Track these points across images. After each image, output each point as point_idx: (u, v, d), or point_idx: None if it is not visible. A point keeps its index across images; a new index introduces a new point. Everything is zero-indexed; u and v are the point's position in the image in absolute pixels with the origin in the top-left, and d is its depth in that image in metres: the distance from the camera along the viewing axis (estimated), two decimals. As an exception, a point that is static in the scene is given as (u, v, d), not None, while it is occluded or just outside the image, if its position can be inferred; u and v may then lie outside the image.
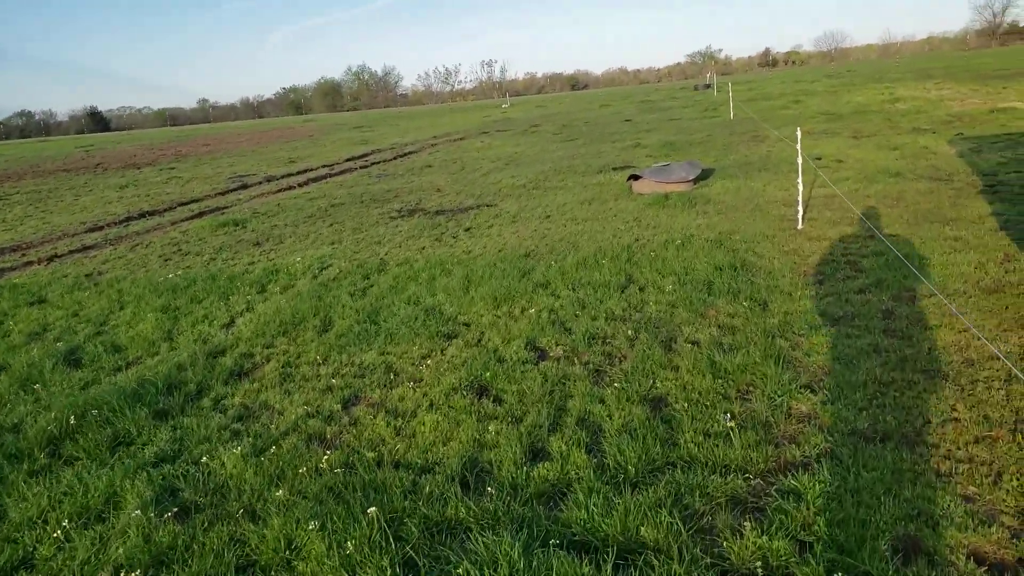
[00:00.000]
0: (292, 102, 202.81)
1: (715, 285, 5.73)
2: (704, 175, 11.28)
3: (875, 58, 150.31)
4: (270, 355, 5.27)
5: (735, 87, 35.73)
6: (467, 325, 5.51)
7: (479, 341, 5.13)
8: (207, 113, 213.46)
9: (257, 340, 5.59)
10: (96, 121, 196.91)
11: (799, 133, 7.84)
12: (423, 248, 8.45)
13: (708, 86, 49.56)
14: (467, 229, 9.31)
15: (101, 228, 12.28)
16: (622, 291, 5.88)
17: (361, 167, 18.56)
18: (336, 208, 12.00)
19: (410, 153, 21.43)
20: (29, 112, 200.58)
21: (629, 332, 4.94)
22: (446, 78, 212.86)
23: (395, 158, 20.33)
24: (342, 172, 17.68)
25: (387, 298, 6.35)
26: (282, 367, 5.01)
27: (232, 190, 15.99)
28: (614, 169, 13.61)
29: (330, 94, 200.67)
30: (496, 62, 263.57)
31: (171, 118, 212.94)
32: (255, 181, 17.20)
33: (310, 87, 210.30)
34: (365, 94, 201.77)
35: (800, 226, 7.53)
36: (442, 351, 5.03)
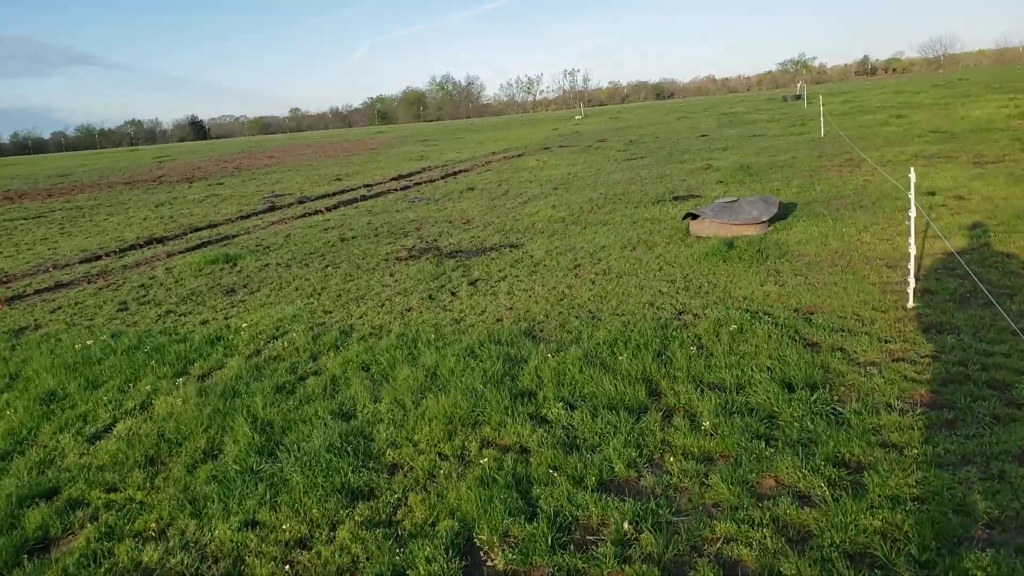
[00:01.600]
0: (379, 111, 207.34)
1: (781, 423, 3.69)
2: (781, 214, 9.07)
3: (987, 65, 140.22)
4: (96, 513, 3.58)
5: (828, 98, 32.64)
6: (392, 473, 3.68)
7: (389, 518, 3.29)
8: (299, 122, 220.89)
9: (105, 475, 3.93)
10: (197, 130, 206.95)
11: (912, 173, 5.63)
12: (408, 309, 6.69)
13: (798, 97, 46.14)
14: (473, 282, 7.50)
15: (98, 258, 11.13)
16: (637, 419, 3.92)
17: (403, 188, 17.07)
18: (345, 243, 10.42)
19: (460, 172, 19.84)
20: (139, 121, 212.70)
21: (626, 528, 2.99)
22: (528, 88, 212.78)
23: (443, 177, 18.78)
24: (380, 194, 16.23)
25: (312, 406, 4.59)
26: (95, 542, 3.31)
27: (258, 212, 14.76)
28: (675, 199, 11.51)
29: (415, 104, 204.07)
30: (579, 71, 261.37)
31: (265, 127, 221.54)
32: (287, 203, 15.95)
33: (396, 97, 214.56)
34: (448, 104, 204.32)
35: (911, 303, 5.34)
36: (330, 531, 3.21)
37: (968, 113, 21.12)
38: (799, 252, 7.33)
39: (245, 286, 8.37)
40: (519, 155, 24.21)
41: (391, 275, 8.16)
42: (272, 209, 15.18)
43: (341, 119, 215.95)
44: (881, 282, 6.03)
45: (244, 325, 6.60)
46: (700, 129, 27.77)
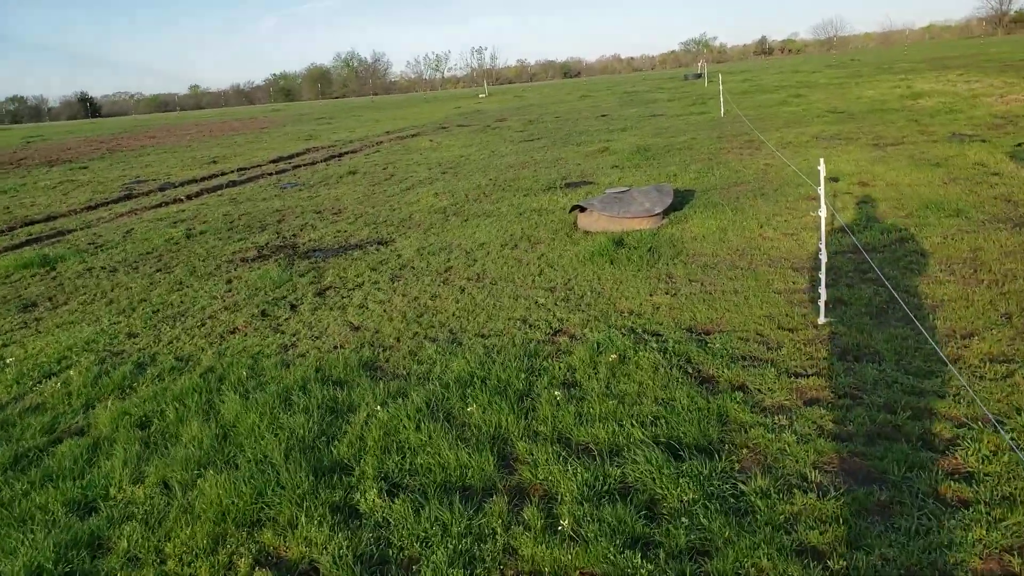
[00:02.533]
0: (282, 88, 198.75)
1: (664, 514, 2.74)
2: (676, 204, 8.26)
3: (873, 47, 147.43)
4: None
5: (729, 77, 32.72)
6: (110, 621, 2.51)
7: None
8: (198, 99, 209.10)
9: None
10: (88, 107, 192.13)
11: (822, 165, 4.81)
12: (232, 330, 5.45)
13: (699, 76, 46.41)
14: (322, 291, 6.30)
15: None
16: (476, 510, 2.89)
17: (279, 171, 15.47)
18: (191, 240, 8.95)
19: (347, 153, 18.33)
20: (22, 97, 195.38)
21: None
22: (436, 65, 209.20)
23: (327, 159, 17.24)
24: (253, 179, 14.60)
25: (49, 490, 3.35)
26: None
27: (111, 202, 12.92)
28: (567, 185, 10.58)
29: (318, 80, 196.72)
30: (486, 49, 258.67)
31: (163, 104, 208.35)
32: (146, 190, 14.10)
33: (299, 74, 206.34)
34: (354, 81, 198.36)
35: (822, 318, 4.54)
36: None
37: (862, 93, 21.24)
38: (695, 251, 6.50)
39: (51, 299, 6.86)
40: (414, 135, 22.81)
41: (228, 282, 6.84)
42: (128, 197, 13.35)
43: (243, 96, 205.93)
44: (787, 289, 5.23)
45: (14, 358, 5.18)
46: (601, 109, 27.10)
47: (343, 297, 6.09)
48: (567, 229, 7.84)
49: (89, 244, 9.16)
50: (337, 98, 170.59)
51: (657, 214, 7.56)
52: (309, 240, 8.43)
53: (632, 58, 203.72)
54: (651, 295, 5.39)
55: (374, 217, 9.50)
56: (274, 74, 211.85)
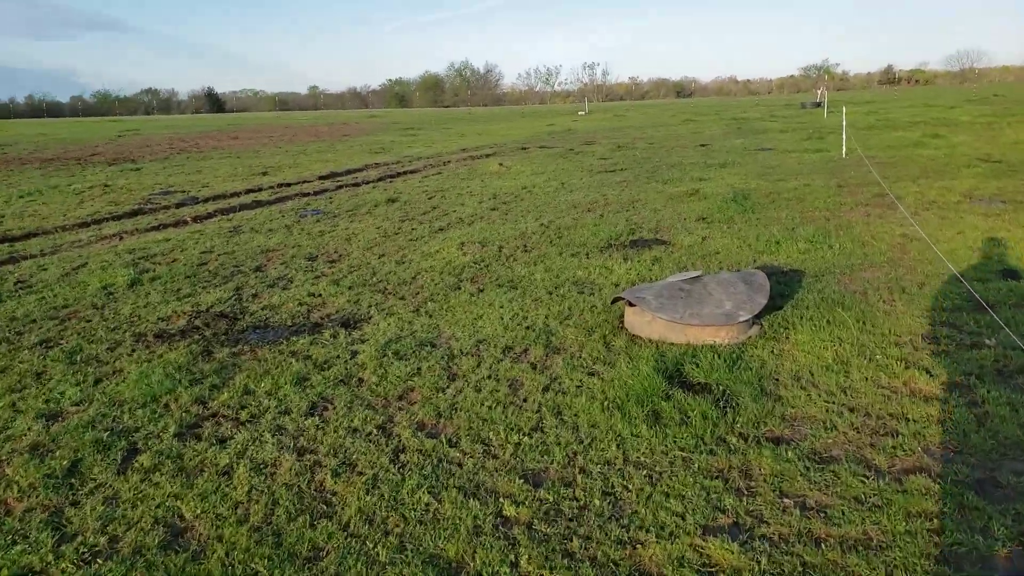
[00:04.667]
0: (396, 94, 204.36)
1: None
2: (773, 295, 5.62)
3: (1012, 81, 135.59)
4: None
5: (852, 108, 28.97)
6: None
7: None
8: (316, 99, 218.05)
9: None
10: (212, 102, 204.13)
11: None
12: (-2, 508, 3.31)
13: (818, 104, 42.31)
14: (192, 427, 4.12)
15: None
16: None
17: (318, 192, 13.66)
18: (130, 290, 7.06)
19: (405, 173, 16.39)
20: (155, 90, 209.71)
21: None
22: (546, 78, 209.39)
23: (381, 179, 15.34)
24: (283, 199, 12.83)
25: None
26: None
27: (113, 217, 11.43)
28: (632, 244, 8.06)
29: (432, 88, 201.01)
30: (598, 64, 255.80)
31: (282, 103, 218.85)
32: (164, 204, 12.59)
33: (414, 80, 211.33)
34: (465, 90, 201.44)
35: None
36: None
37: (1020, 137, 17.49)
38: (798, 409, 3.90)
39: None
40: (489, 154, 20.71)
41: (96, 383, 4.76)
42: (137, 213, 11.82)
43: (359, 99, 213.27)
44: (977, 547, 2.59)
45: None
46: (703, 136, 24.16)
47: (211, 446, 3.86)
48: (609, 327, 5.35)
49: (17, 284, 7.40)
50: (447, 106, 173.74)
51: (743, 321, 4.96)
52: (263, 308, 6.30)
53: (748, 80, 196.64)
54: (704, 533, 2.86)
55: (370, 273, 7.30)
56: (390, 79, 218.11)
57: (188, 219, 10.99)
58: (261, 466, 3.65)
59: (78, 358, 5.21)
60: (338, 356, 5.07)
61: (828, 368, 4.40)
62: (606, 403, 4.09)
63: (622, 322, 5.40)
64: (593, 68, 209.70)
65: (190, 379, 4.72)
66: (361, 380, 4.67)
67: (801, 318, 5.27)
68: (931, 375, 4.22)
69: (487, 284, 6.73)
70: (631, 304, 5.23)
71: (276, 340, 5.48)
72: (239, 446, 3.85)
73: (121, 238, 9.79)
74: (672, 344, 4.93)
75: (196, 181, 15.87)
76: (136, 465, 3.69)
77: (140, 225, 10.64)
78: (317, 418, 4.14)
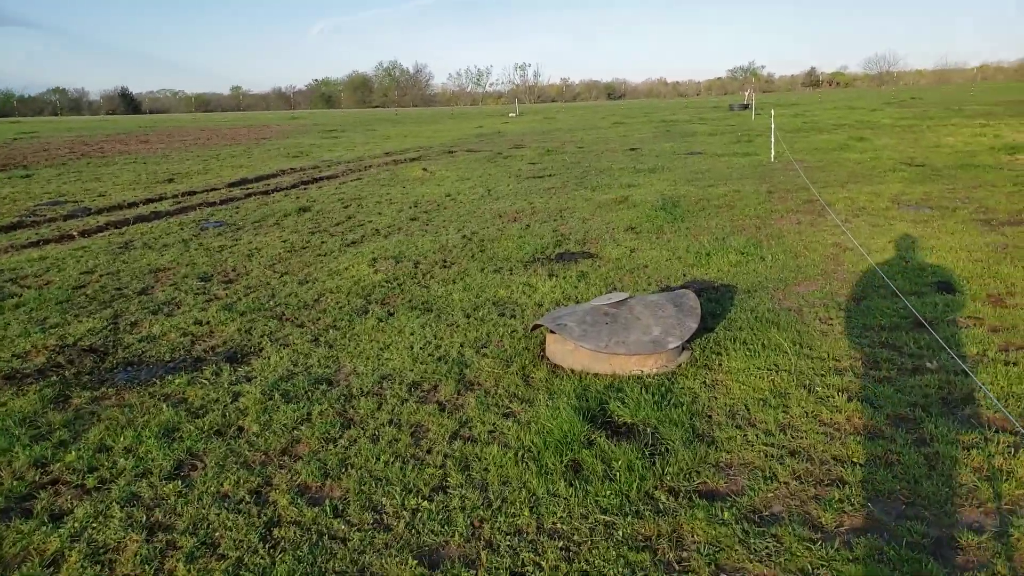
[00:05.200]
0: (323, 94, 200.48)
1: None
2: (705, 322, 5.22)
3: (926, 84, 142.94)
4: None
5: (779, 110, 29.50)
6: None
7: None
8: (239, 100, 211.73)
9: None
10: (127, 102, 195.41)
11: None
12: None
13: (746, 106, 43.15)
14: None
15: None
16: None
17: (224, 200, 12.72)
18: (-11, 319, 6.14)
19: (321, 179, 15.55)
20: (63, 89, 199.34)
21: None
22: (477, 79, 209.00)
23: (295, 185, 14.47)
24: (185, 209, 11.86)
25: None
26: None
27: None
28: (558, 257, 7.59)
29: (360, 88, 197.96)
30: (530, 65, 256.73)
31: (203, 104, 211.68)
32: (50, 216, 11.47)
33: (341, 80, 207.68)
34: (394, 90, 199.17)
35: None
36: None
37: (940, 140, 17.95)
38: (734, 453, 3.47)
39: None
40: (415, 158, 20.02)
41: (-86, 443, 3.95)
42: (15, 227, 10.68)
43: (284, 100, 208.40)
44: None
45: None
46: (632, 140, 24.08)
47: (41, 525, 3.16)
48: (529, 356, 4.84)
49: None
50: (376, 107, 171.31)
51: (673, 348, 4.51)
52: (140, 340, 5.53)
53: (678, 82, 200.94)
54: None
55: (268, 296, 6.59)
56: (316, 79, 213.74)
57: (75, 233, 9.97)
58: (100, 551, 2.98)
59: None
60: (217, 399, 4.40)
61: (765, 402, 3.99)
62: (521, 453, 3.57)
63: (543, 350, 4.89)
64: (524, 69, 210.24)
65: (32, 435, 3.97)
66: (240, 430, 4.02)
67: (734, 341, 4.88)
68: (875, 407, 3.86)
69: (399, 307, 6.12)
70: (552, 331, 4.72)
71: (148, 380, 4.75)
72: (77, 524, 3.16)
73: (-7, 256, 8.75)
74: (597, 375, 4.45)
75: (92, 190, 14.65)
76: (-63, 559, 2.96)
77: (17, 240, 9.58)
78: (180, 482, 3.48)
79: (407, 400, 4.29)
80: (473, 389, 4.41)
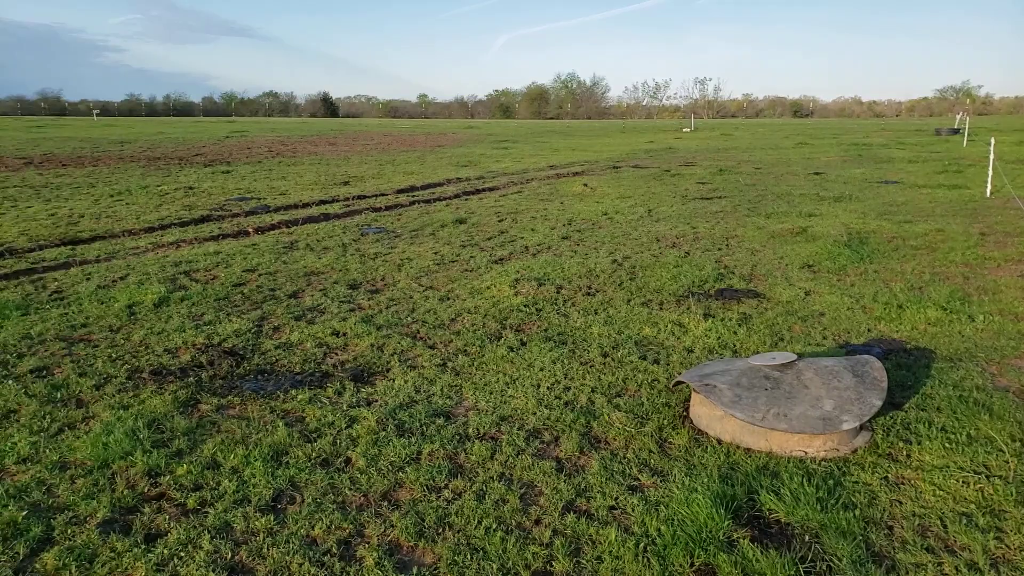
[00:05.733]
0: (502, 104, 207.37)
1: None
2: (892, 397, 4.32)
3: None
4: None
5: (999, 136, 26.05)
6: None
7: None
8: (425, 108, 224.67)
9: None
10: (327, 106, 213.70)
11: None
12: None
13: (956, 131, 38.69)
14: (127, 512, 3.33)
15: None
16: None
17: (391, 206, 13.08)
18: (154, 312, 6.49)
19: (483, 191, 15.61)
20: (275, 93, 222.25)
21: None
22: (654, 92, 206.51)
23: (455, 196, 14.63)
24: (353, 212, 12.30)
25: None
26: None
27: (180, 223, 11.21)
28: (719, 294, 6.84)
29: (537, 99, 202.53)
30: (710, 79, 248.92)
31: (392, 110, 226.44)
32: (234, 212, 12.33)
33: (519, 91, 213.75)
34: (570, 102, 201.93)
35: None
36: None
37: None
38: (923, 601, 2.67)
39: None
40: (578, 172, 19.68)
41: (64, 430, 4.08)
42: (205, 220, 11.56)
43: (465, 109, 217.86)
44: None
45: None
46: (817, 163, 22.19)
47: (134, 547, 3.06)
48: (669, 415, 4.24)
49: (52, 295, 7.01)
50: (550, 118, 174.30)
51: (849, 428, 3.72)
52: (277, 347, 5.54)
53: (874, 102, 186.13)
54: None
55: (408, 310, 6.44)
56: (496, 90, 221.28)
57: (250, 230, 10.57)
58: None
59: (58, 396, 4.59)
60: (332, 423, 4.20)
61: (970, 519, 3.12)
62: (643, 544, 3.00)
63: (687, 409, 4.26)
64: (704, 83, 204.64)
65: (155, 440, 3.97)
66: (347, 462, 3.78)
67: (929, 426, 3.97)
68: None
69: (533, 336, 5.71)
70: (703, 387, 4.08)
71: (273, 392, 4.68)
72: (167, 551, 3.02)
73: (178, 246, 9.43)
74: (749, 452, 3.76)
75: (276, 188, 15.67)
76: (36, 567, 2.92)
77: (201, 234, 10.29)
78: (274, 517, 3.27)
79: (523, 451, 3.85)
80: (599, 448, 3.89)
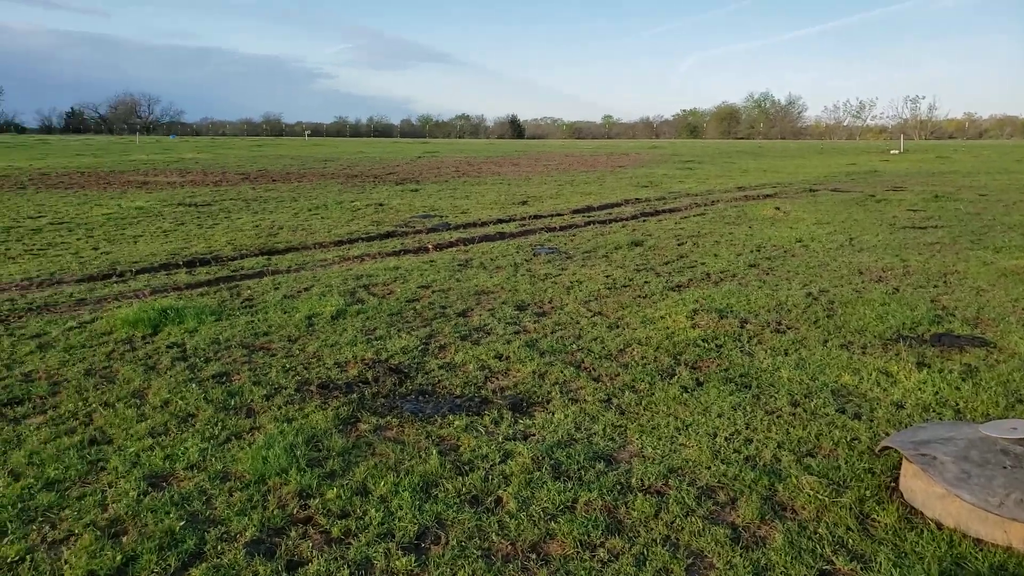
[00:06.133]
0: (688, 124, 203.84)
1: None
2: None
3: None
4: None
5: None
6: None
7: None
8: (609, 129, 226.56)
9: None
10: (514, 128, 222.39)
11: None
12: None
13: None
14: (272, 533, 3.30)
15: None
16: None
17: (566, 227, 12.92)
18: (332, 323, 6.71)
19: (662, 212, 15.02)
20: (467, 115, 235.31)
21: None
22: (858, 112, 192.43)
23: (632, 217, 14.19)
24: (528, 232, 12.30)
25: None
26: None
27: (365, 238, 11.80)
28: (936, 339, 5.86)
29: (727, 119, 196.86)
30: (923, 98, 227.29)
31: (576, 131, 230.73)
32: (417, 228, 12.80)
33: (708, 111, 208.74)
34: (763, 122, 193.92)
35: None
36: None
37: None
38: None
39: (38, 399, 5.02)
40: (769, 195, 18.43)
41: (236, 438, 4.21)
42: (389, 236, 12.08)
43: (649, 129, 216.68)
44: None
45: None
46: (1060, 188, 19.12)
47: (275, 574, 2.98)
48: (873, 484, 3.56)
49: (244, 302, 7.51)
50: (741, 138, 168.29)
51: (1125, 533, 2.86)
52: (440, 367, 5.47)
53: None
54: None
55: (574, 336, 6.14)
56: (683, 110, 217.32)
57: (430, 247, 10.85)
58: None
59: (232, 403, 4.78)
60: (486, 456, 3.98)
61: None
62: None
63: (896, 480, 3.55)
64: (916, 102, 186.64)
65: (311, 458, 3.96)
66: (497, 502, 3.52)
67: None
68: None
69: (711, 376, 5.17)
70: (913, 461, 3.38)
71: (431, 416, 4.56)
72: (308, 584, 2.91)
73: (362, 260, 9.85)
74: (980, 544, 3.02)
75: (458, 206, 16.13)
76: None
77: (385, 248, 10.71)
78: (414, 558, 3.07)
79: (693, 512, 3.37)
80: (784, 517, 3.32)
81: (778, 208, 14.96)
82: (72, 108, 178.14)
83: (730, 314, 6.74)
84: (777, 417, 4.43)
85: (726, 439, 4.14)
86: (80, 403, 4.67)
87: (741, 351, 5.70)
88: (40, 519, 3.31)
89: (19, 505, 3.41)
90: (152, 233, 12.05)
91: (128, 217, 14.00)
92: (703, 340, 5.98)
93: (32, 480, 3.64)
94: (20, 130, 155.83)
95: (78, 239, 11.41)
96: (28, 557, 3.01)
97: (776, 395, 4.78)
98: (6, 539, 3.14)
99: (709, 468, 3.80)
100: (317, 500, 3.54)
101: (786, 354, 5.61)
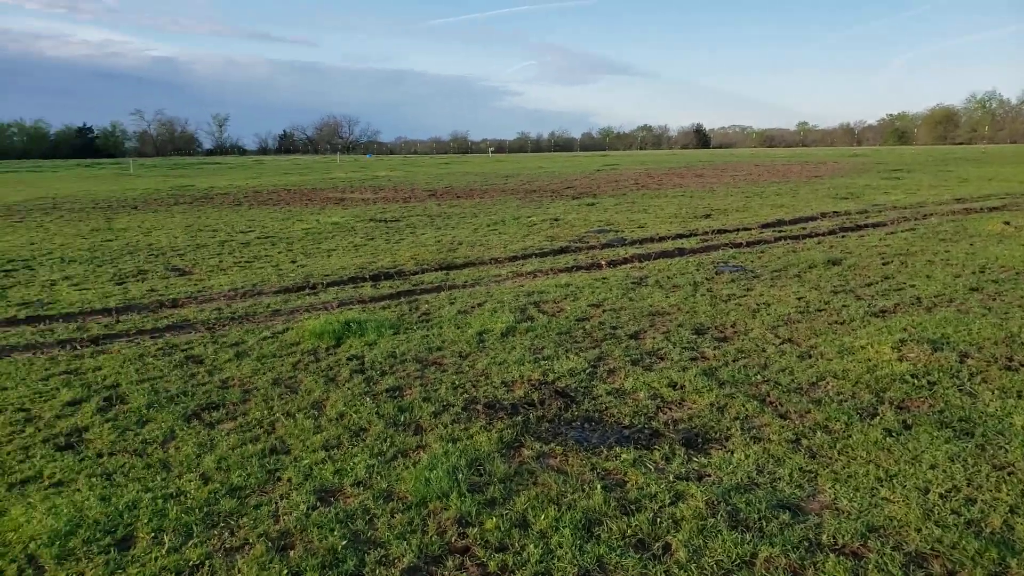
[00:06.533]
0: (895, 130, 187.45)
1: None
2: None
3: None
4: None
5: None
6: None
7: None
8: (804, 136, 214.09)
9: None
10: (699, 138, 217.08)
11: None
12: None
13: None
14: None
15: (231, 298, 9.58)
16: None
17: (753, 242, 12.14)
18: (486, 346, 6.71)
19: (865, 227, 13.64)
20: (649, 127, 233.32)
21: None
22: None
23: (831, 232, 13.03)
24: (711, 248, 11.71)
25: None
26: None
27: (539, 254, 11.82)
28: None
29: (942, 123, 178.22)
30: None
31: (767, 139, 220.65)
32: (591, 244, 12.65)
33: (919, 115, 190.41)
34: (988, 124, 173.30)
35: None
36: None
37: None
38: None
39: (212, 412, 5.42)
40: (995, 207, 16.17)
41: (386, 466, 4.27)
42: (562, 252, 12.03)
43: (850, 136, 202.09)
44: None
45: None
46: None
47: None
48: None
49: (421, 316, 7.73)
50: (959, 143, 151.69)
51: None
52: (608, 392, 5.22)
53: None
54: None
55: (759, 366, 5.63)
56: (890, 114, 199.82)
57: (603, 263, 10.63)
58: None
59: (402, 419, 4.87)
60: (654, 495, 3.69)
61: None
62: None
63: None
64: None
65: (472, 483, 3.89)
66: (665, 549, 3.23)
67: None
68: None
69: (922, 418, 4.47)
70: None
71: (597, 446, 4.34)
72: None
73: (534, 276, 9.86)
74: None
75: (635, 220, 15.76)
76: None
77: (557, 264, 10.65)
78: None
79: (901, 588, 2.85)
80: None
81: (1007, 223, 13.03)
82: (284, 131, 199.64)
83: (946, 346, 5.85)
84: (1009, 474, 3.71)
85: (941, 496, 3.52)
86: (266, 411, 4.98)
87: (960, 391, 4.90)
88: (222, 525, 3.51)
89: (205, 509, 3.63)
90: (344, 247, 12.92)
91: (324, 232, 15.16)
92: (912, 376, 5.22)
93: (218, 485, 3.89)
94: (241, 152, 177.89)
95: (279, 252, 12.50)
96: (206, 563, 3.18)
97: (1008, 446, 4.02)
98: (191, 541, 3.35)
99: (919, 530, 3.24)
100: (476, 529, 3.45)
101: (1020, 397, 4.73)
